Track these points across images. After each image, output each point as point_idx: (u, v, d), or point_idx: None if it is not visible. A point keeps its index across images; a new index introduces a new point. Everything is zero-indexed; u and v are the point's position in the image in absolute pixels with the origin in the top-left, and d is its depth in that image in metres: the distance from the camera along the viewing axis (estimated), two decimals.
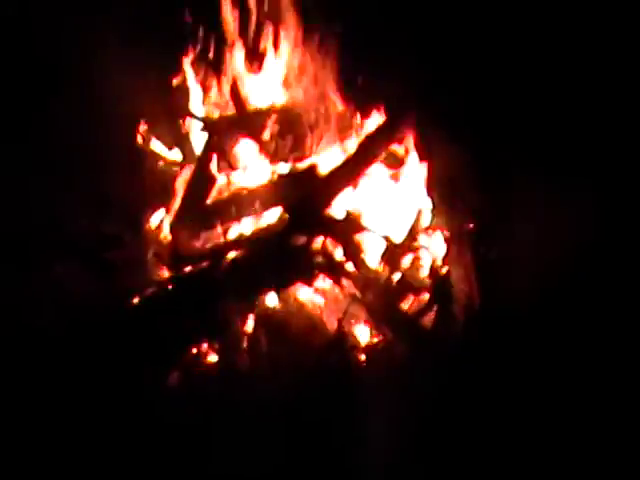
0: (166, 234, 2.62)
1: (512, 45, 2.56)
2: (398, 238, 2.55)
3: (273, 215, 2.60)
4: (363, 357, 2.46)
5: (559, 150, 2.51)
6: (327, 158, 2.64)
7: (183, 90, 2.71)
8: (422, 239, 2.57)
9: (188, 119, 2.72)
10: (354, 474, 2.18)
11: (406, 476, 2.15)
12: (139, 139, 2.70)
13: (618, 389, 2.26)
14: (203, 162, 2.65)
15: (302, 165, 2.64)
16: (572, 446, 2.19)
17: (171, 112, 2.72)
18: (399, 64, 2.57)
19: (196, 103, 2.73)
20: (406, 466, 2.15)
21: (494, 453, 2.19)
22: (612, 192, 2.45)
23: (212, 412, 2.28)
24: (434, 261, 2.55)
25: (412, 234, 2.56)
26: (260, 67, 2.69)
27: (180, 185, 2.63)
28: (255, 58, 2.68)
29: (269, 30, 2.63)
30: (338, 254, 2.52)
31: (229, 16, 2.62)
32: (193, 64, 2.67)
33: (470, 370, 2.30)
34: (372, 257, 2.54)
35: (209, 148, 2.66)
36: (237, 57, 2.68)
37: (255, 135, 2.65)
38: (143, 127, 2.70)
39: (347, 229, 2.53)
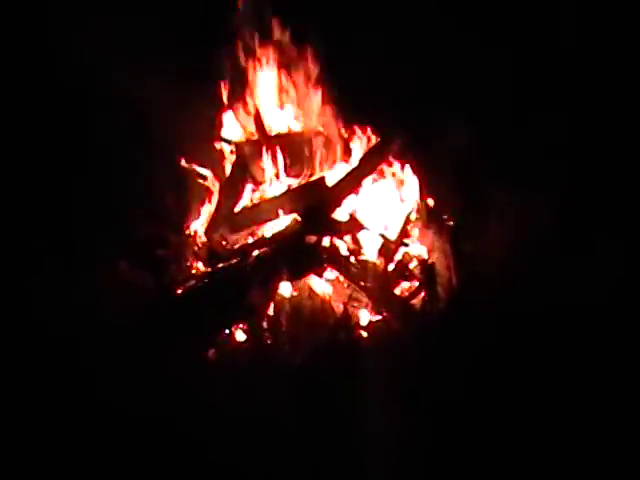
0: (203, 237, 2.88)
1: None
2: (392, 236, 2.81)
3: (289, 219, 2.84)
4: (365, 333, 2.71)
5: (526, 165, 2.91)
6: (332, 173, 2.93)
7: (217, 120, 3.00)
8: (411, 236, 2.85)
9: (220, 144, 3.01)
10: (355, 427, 2.38)
11: (399, 431, 2.34)
12: (182, 162, 2.98)
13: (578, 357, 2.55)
14: (232, 178, 2.94)
15: (312, 179, 2.91)
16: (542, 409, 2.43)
17: (207, 138, 3.01)
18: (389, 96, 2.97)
19: (227, 130, 3.01)
20: (400, 421, 2.37)
21: (477, 401, 2.43)
22: (565, 199, 2.85)
23: (241, 381, 2.54)
24: (421, 254, 2.84)
25: (403, 232, 2.83)
26: (279, 101, 3.01)
27: (214, 197, 2.91)
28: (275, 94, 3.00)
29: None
30: (343, 250, 2.78)
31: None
32: (226, 99, 2.97)
33: (452, 340, 2.61)
34: (371, 252, 2.79)
35: (237, 167, 2.95)
36: (259, 93, 2.99)
37: (274, 155, 2.92)
38: (185, 152, 2.98)
39: (350, 229, 2.78)
